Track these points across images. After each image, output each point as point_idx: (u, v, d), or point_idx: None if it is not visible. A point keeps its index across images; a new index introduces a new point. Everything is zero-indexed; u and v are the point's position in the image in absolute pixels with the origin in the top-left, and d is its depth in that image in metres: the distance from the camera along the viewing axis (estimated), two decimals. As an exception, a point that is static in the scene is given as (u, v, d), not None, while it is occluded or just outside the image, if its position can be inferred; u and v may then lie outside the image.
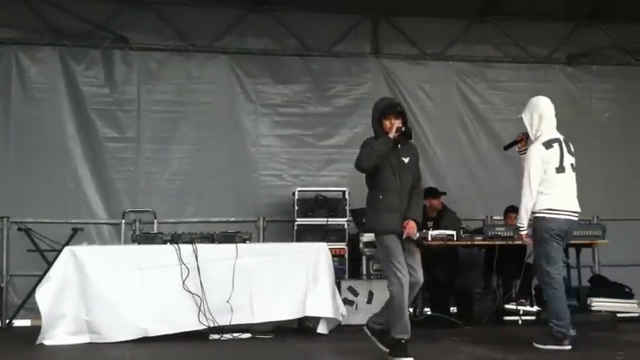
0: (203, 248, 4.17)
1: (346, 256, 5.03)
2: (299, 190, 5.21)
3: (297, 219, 5.12)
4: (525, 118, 3.84)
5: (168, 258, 4.11)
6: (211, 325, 4.04)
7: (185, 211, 5.41)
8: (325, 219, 5.09)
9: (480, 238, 4.70)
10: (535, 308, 4.90)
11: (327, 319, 4.26)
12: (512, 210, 5.00)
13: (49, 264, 4.40)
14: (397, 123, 3.42)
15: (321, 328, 4.25)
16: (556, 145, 3.76)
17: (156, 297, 4.05)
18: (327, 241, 4.64)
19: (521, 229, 3.78)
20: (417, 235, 3.42)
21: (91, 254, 4.16)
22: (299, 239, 5.00)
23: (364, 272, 4.92)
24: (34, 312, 4.22)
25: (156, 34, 5.50)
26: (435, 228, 4.66)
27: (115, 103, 5.44)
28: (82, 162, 5.32)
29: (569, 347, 3.64)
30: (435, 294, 4.95)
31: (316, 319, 4.26)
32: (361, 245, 4.93)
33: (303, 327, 4.33)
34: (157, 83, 5.51)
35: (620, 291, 4.95)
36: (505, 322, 4.70)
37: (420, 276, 3.43)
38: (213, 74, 5.59)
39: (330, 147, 5.70)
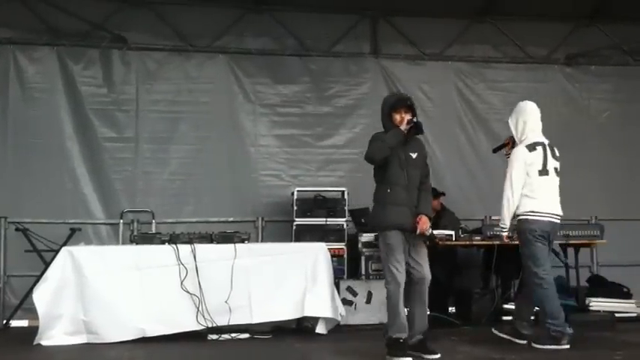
0: (201, 248, 4.16)
1: (345, 256, 5.03)
2: (298, 190, 5.20)
3: (296, 219, 5.11)
4: (511, 122, 3.91)
5: (167, 258, 4.11)
6: (210, 326, 4.04)
7: (183, 211, 5.40)
8: (324, 219, 5.09)
9: (479, 238, 4.70)
10: (567, 346, 4.87)
11: (326, 319, 4.25)
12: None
13: (47, 264, 4.38)
14: (407, 116, 3.43)
15: (320, 329, 4.24)
16: (539, 148, 3.82)
17: (154, 297, 4.04)
18: (326, 241, 4.64)
19: (503, 229, 3.83)
20: (430, 230, 3.41)
21: (89, 254, 4.15)
22: (298, 239, 4.99)
23: (363, 272, 4.91)
24: (32, 312, 4.21)
25: (154, 34, 5.49)
26: (433, 228, 4.59)
27: (113, 102, 5.43)
28: (80, 162, 5.31)
29: (568, 346, 3.65)
30: (433, 294, 4.92)
31: (315, 319, 4.25)
32: (360, 245, 4.92)
33: (302, 327, 4.32)
34: (155, 83, 5.50)
35: (618, 291, 4.95)
36: (504, 322, 4.68)
37: (425, 271, 3.41)
38: (212, 74, 5.59)
39: (329, 147, 5.70)
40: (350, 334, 4.33)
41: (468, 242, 4.73)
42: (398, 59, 5.82)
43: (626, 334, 4.34)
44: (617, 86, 6.07)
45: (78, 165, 5.32)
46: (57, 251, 4.22)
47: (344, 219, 5.13)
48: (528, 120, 3.86)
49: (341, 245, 5.03)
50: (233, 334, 4.08)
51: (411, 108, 3.47)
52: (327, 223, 5.08)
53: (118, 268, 4.09)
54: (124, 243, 5.04)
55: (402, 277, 3.36)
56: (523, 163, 3.77)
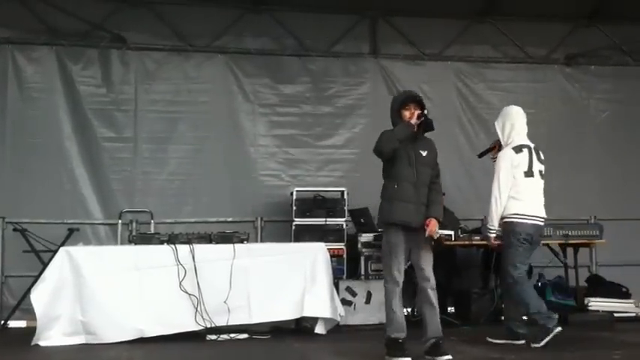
0: (200, 249, 4.15)
1: (344, 256, 5.02)
2: (297, 190, 5.19)
3: (295, 219, 5.10)
4: (498, 125, 3.98)
5: (165, 258, 4.10)
6: (208, 326, 4.03)
7: (182, 212, 5.39)
8: (323, 219, 5.08)
9: (478, 238, 4.69)
10: (559, 329, 4.87)
11: (325, 320, 4.25)
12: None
13: (45, 264, 4.37)
14: (417, 111, 3.42)
15: (319, 329, 4.24)
16: (525, 151, 3.89)
17: (152, 298, 4.04)
18: (326, 242, 4.63)
19: (491, 230, 3.85)
20: (439, 234, 3.40)
21: (87, 255, 4.14)
22: (297, 239, 4.98)
23: (362, 272, 4.91)
24: (30, 313, 4.20)
25: (153, 34, 5.48)
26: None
27: (112, 102, 5.42)
28: (79, 162, 5.30)
29: (560, 328, 3.72)
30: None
31: (314, 320, 4.25)
32: (359, 245, 4.92)
33: (301, 327, 4.32)
34: (154, 83, 5.49)
35: (617, 291, 4.95)
36: (503, 322, 4.69)
37: (427, 274, 3.39)
38: (211, 74, 5.58)
39: (328, 147, 5.69)
40: (349, 335, 4.32)
41: (467, 242, 4.73)
42: (397, 59, 5.81)
43: (624, 333, 4.34)
44: (616, 86, 6.07)
45: (77, 165, 5.31)
46: (55, 251, 4.21)
47: (343, 219, 5.12)
48: (515, 123, 3.94)
49: (340, 245, 5.02)
50: (232, 335, 4.08)
51: (420, 104, 3.46)
52: (327, 223, 5.07)
53: (116, 268, 4.08)
54: (122, 243, 5.02)
55: (400, 277, 3.35)
56: (510, 165, 3.83)
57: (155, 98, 5.49)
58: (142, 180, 5.40)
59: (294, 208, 5.10)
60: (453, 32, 5.86)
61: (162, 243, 4.19)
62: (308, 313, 4.20)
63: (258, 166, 5.57)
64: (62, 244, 4.49)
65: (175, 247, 4.11)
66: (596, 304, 4.79)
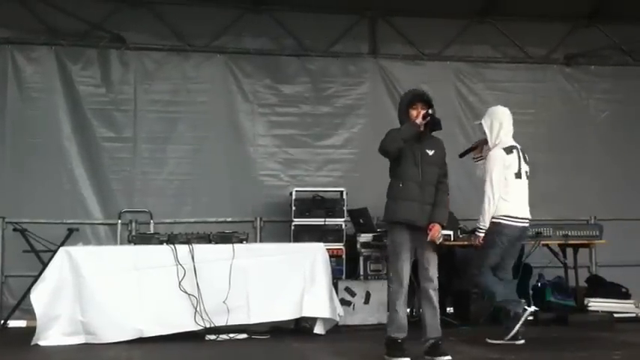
0: (199, 249, 4.15)
1: (343, 256, 5.01)
2: (296, 191, 5.19)
3: (295, 219, 5.10)
4: (485, 125, 3.97)
5: (165, 258, 4.10)
6: (208, 326, 4.03)
7: (182, 212, 5.39)
8: (323, 219, 5.08)
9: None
10: (532, 308, 4.89)
11: (324, 320, 4.25)
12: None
13: (45, 264, 4.37)
14: (424, 111, 3.40)
15: (318, 329, 4.24)
16: (515, 152, 3.93)
17: (152, 298, 4.03)
18: (325, 242, 4.63)
19: (481, 230, 3.86)
20: (441, 239, 3.41)
21: (87, 255, 4.14)
22: (296, 239, 4.98)
23: (361, 273, 4.90)
24: (30, 313, 4.21)
25: (153, 34, 5.48)
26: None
27: (111, 102, 5.42)
28: (78, 162, 5.30)
29: (532, 308, 3.81)
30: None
31: (313, 320, 4.25)
32: (358, 246, 4.91)
33: (300, 327, 4.32)
34: (153, 83, 5.49)
35: (617, 291, 4.95)
36: (501, 322, 4.69)
37: (431, 275, 3.37)
38: (211, 74, 5.58)
39: (327, 147, 5.69)
40: (348, 335, 4.32)
41: (466, 242, 4.72)
42: (397, 59, 5.81)
43: (624, 334, 4.34)
44: (616, 86, 6.06)
45: (76, 165, 5.31)
46: (55, 251, 4.21)
47: (342, 219, 5.12)
48: (503, 123, 3.95)
49: (339, 245, 5.01)
50: (231, 335, 4.08)
51: (427, 103, 3.44)
52: (326, 223, 5.07)
53: (115, 268, 4.08)
54: (122, 243, 5.02)
55: (405, 277, 3.34)
56: (502, 166, 3.86)
57: (154, 98, 5.49)
58: (142, 180, 5.40)
59: (294, 208, 5.10)
60: (453, 32, 5.85)
61: (161, 243, 4.19)
62: (307, 313, 4.20)
63: (257, 166, 5.56)
64: (62, 244, 4.50)
65: (175, 247, 4.11)
66: (596, 304, 4.78)
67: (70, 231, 4.90)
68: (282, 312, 4.18)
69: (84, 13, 5.21)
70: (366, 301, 4.59)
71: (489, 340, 3.91)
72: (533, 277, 5.12)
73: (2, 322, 4.89)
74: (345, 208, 5.12)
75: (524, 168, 3.94)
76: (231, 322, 4.06)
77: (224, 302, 4.03)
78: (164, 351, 3.85)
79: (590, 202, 5.73)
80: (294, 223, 5.10)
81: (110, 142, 5.39)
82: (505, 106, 5.95)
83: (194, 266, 4.08)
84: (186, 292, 4.03)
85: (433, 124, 3.45)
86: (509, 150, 3.90)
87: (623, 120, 6.01)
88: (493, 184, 3.81)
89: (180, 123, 5.50)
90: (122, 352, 3.78)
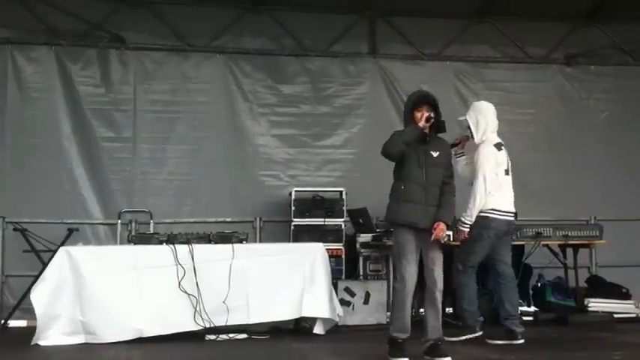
0: (199, 249, 4.15)
1: (343, 256, 5.02)
2: (296, 191, 5.20)
3: (294, 219, 5.10)
4: (470, 121, 3.95)
5: (165, 258, 4.09)
6: (207, 326, 4.02)
7: (181, 212, 5.40)
8: (322, 219, 5.08)
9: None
10: (532, 309, 4.90)
11: (324, 320, 4.24)
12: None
13: (45, 264, 4.37)
14: (427, 113, 3.38)
15: (318, 329, 4.23)
16: (504, 149, 3.94)
17: (152, 297, 4.03)
18: (324, 242, 4.63)
19: (465, 225, 3.84)
20: (446, 238, 3.40)
21: (87, 255, 4.14)
22: (296, 239, 4.98)
23: (361, 273, 4.91)
24: (30, 312, 4.20)
25: (152, 34, 5.48)
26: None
27: (111, 102, 5.42)
28: (78, 162, 5.31)
29: (481, 333, 3.83)
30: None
31: (313, 320, 4.24)
32: (358, 246, 4.91)
33: (300, 327, 4.32)
34: (153, 83, 5.49)
35: (617, 292, 4.94)
36: (500, 322, 4.68)
37: (435, 276, 3.36)
38: (210, 74, 5.58)
39: (327, 147, 5.69)
40: (348, 335, 4.32)
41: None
42: (396, 59, 5.81)
43: (625, 334, 4.33)
44: (616, 86, 6.05)
45: (76, 165, 5.31)
46: (55, 251, 4.21)
47: (342, 219, 5.12)
48: (490, 120, 3.95)
49: (339, 246, 5.02)
50: (231, 335, 4.07)
51: (433, 105, 3.42)
52: (325, 223, 5.07)
53: (115, 268, 4.08)
54: (121, 243, 5.03)
55: (408, 277, 3.32)
56: (494, 163, 3.85)
57: (154, 98, 5.49)
58: (141, 180, 5.40)
59: (293, 208, 5.10)
60: (452, 32, 5.85)
61: (161, 243, 4.18)
62: (307, 313, 4.19)
63: (257, 166, 5.56)
64: (62, 244, 4.50)
65: (174, 247, 4.11)
66: (596, 304, 4.78)
67: (70, 231, 4.90)
68: (282, 312, 4.18)
69: (84, 13, 5.22)
70: (366, 301, 4.59)
71: (489, 341, 3.90)
72: (534, 278, 5.13)
73: (2, 321, 4.90)
74: (344, 208, 5.13)
75: (509, 164, 3.97)
76: (230, 322, 4.05)
77: (224, 302, 4.03)
78: (164, 351, 3.84)
79: (590, 202, 5.73)
80: (293, 223, 5.10)
81: (110, 142, 5.39)
82: (505, 106, 5.99)
83: (194, 266, 4.07)
84: (186, 292, 4.03)
85: (437, 126, 3.44)
86: (498, 147, 3.90)
87: (623, 120, 6.00)
88: (486, 180, 3.80)
89: (180, 123, 5.51)
90: (122, 351, 3.78)
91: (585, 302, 4.80)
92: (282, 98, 5.66)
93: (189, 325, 4.02)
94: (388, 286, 4.63)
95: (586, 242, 4.82)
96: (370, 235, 4.90)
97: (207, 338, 4.05)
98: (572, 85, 6.05)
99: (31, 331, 4.05)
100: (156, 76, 5.50)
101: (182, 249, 4.12)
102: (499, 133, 5.77)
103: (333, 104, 5.73)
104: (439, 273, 3.38)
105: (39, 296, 3.97)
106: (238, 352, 3.86)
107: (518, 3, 5.71)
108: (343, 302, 4.51)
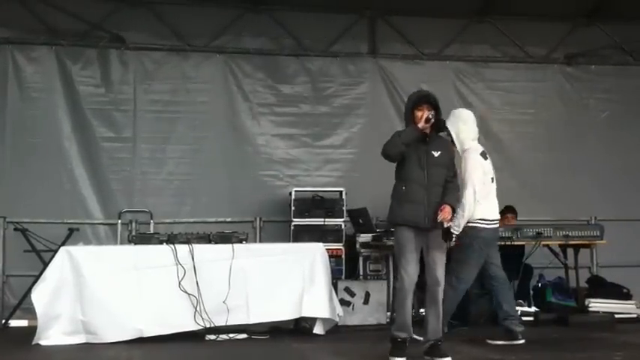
0: (199, 248, 4.15)
1: (343, 256, 5.02)
2: (296, 190, 5.20)
3: (294, 219, 5.11)
4: (452, 129, 3.89)
5: (165, 258, 4.09)
6: (207, 326, 4.02)
7: (181, 212, 5.40)
8: (322, 219, 5.08)
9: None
10: (533, 309, 4.89)
11: (324, 320, 4.24)
12: (509, 210, 5.00)
13: (45, 264, 4.38)
14: (426, 113, 3.36)
15: (318, 329, 4.23)
16: (489, 157, 3.95)
17: (152, 297, 4.03)
18: (324, 242, 4.63)
19: (456, 234, 3.75)
20: (450, 223, 3.37)
21: (87, 254, 4.14)
22: (296, 239, 4.98)
23: (361, 273, 4.91)
24: (31, 312, 4.20)
25: (152, 34, 5.49)
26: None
27: (111, 102, 5.42)
28: (78, 162, 5.31)
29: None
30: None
31: (312, 320, 4.24)
32: (358, 246, 4.91)
33: (300, 327, 4.32)
34: (153, 83, 5.50)
35: (617, 292, 4.94)
36: (500, 323, 4.68)
37: (438, 275, 3.35)
38: (210, 74, 5.58)
39: (327, 147, 5.69)
40: (348, 335, 4.32)
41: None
42: (396, 59, 5.81)
43: (625, 334, 4.33)
44: (616, 86, 6.05)
45: (76, 165, 5.32)
46: (55, 251, 4.21)
47: (342, 219, 5.12)
48: (472, 128, 3.93)
49: (339, 246, 5.02)
50: (231, 335, 4.07)
51: (433, 105, 3.41)
52: (325, 223, 5.07)
53: (116, 268, 4.08)
54: (122, 243, 5.03)
55: (410, 276, 3.31)
56: (482, 172, 3.85)
57: (154, 98, 5.50)
58: (141, 180, 5.41)
59: (293, 208, 5.10)
60: (452, 32, 5.85)
61: (161, 243, 4.18)
62: (307, 313, 4.19)
63: (256, 166, 5.57)
64: (62, 244, 4.50)
65: (174, 247, 4.11)
66: (597, 305, 4.77)
67: (71, 231, 4.91)
68: (282, 312, 4.18)
69: (84, 13, 5.22)
70: (366, 301, 4.59)
71: (489, 341, 3.90)
72: (534, 278, 5.13)
73: (3, 321, 4.90)
74: (344, 208, 5.13)
75: (494, 172, 3.98)
76: (230, 322, 4.06)
77: (224, 302, 4.03)
78: (164, 351, 3.85)
79: (590, 202, 5.72)
80: (293, 223, 5.10)
81: (110, 142, 5.39)
82: (505, 105, 5.99)
83: (194, 266, 4.07)
84: (186, 292, 4.03)
85: (437, 126, 3.43)
86: (484, 156, 3.91)
87: (623, 120, 6.00)
88: (475, 190, 3.77)
89: (180, 123, 5.51)
90: (122, 351, 3.78)
91: (586, 302, 4.79)
92: (282, 98, 5.66)
93: (189, 325, 4.02)
94: (388, 286, 4.64)
95: (587, 242, 4.82)
96: (370, 235, 4.90)
97: (207, 338, 4.05)
98: (572, 84, 6.05)
99: (31, 330, 4.05)
100: (156, 76, 5.50)
101: (182, 249, 4.12)
102: (499, 133, 5.78)
103: (333, 104, 5.73)
104: (441, 273, 3.37)
105: (40, 296, 3.97)
106: (238, 352, 3.86)
107: (518, 3, 5.71)
108: (343, 302, 4.51)
